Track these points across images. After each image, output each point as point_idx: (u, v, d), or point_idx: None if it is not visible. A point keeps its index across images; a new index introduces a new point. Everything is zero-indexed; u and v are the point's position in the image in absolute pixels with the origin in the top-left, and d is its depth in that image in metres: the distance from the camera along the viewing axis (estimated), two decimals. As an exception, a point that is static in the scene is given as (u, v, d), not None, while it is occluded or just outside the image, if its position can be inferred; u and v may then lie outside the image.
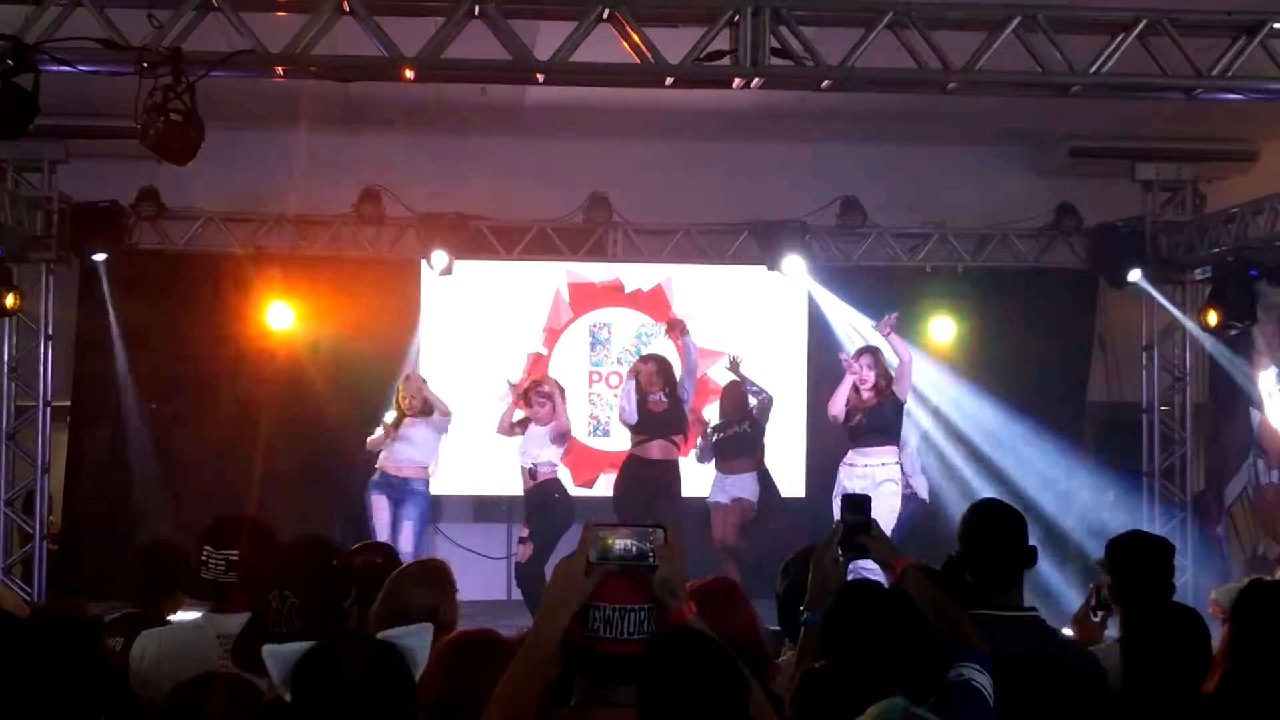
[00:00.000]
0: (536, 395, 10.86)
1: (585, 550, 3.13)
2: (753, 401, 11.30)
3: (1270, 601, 4.25)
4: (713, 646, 3.04)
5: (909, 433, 11.01)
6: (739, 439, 11.16)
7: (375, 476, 11.02)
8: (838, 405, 10.45)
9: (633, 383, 10.80)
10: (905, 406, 10.62)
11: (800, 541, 4.78)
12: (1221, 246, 11.21)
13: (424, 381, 11.16)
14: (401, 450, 10.94)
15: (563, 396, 10.90)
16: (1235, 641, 4.16)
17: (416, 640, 2.90)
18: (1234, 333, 11.52)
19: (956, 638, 3.75)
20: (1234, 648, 4.14)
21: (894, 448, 10.40)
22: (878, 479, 10.12)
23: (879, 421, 10.37)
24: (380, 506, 10.92)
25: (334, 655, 2.84)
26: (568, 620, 3.09)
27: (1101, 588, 5.14)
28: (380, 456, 10.99)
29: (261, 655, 2.86)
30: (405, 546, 10.30)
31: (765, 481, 11.29)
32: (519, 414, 11.04)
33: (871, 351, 10.48)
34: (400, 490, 10.94)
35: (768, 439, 11.60)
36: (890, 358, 10.47)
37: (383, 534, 10.57)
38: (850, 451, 10.46)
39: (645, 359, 11.08)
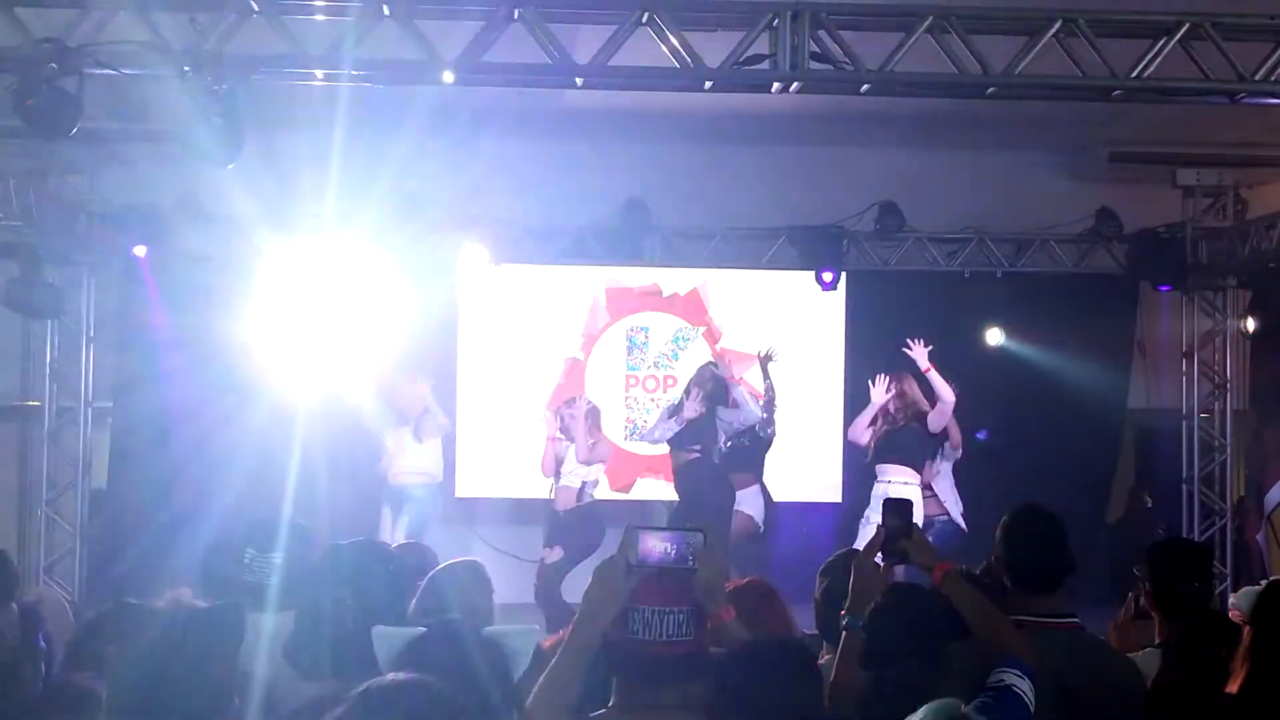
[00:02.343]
0: (567, 409, 10.79)
1: (626, 553, 3.14)
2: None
3: None
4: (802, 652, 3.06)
5: (942, 462, 10.84)
6: (738, 452, 10.74)
7: (390, 484, 11.32)
8: (858, 430, 10.65)
9: (679, 421, 10.50)
10: (937, 438, 10.61)
11: (836, 546, 4.78)
12: (1263, 252, 11.14)
13: (427, 388, 11.23)
14: (398, 460, 11.18)
15: (589, 421, 10.63)
16: (1256, 642, 4.13)
17: (521, 642, 2.93)
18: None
19: (999, 643, 3.74)
20: (1255, 648, 4.11)
21: (913, 470, 10.36)
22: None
23: (895, 442, 10.44)
24: (384, 518, 11.16)
25: (440, 645, 2.87)
26: (608, 622, 3.10)
27: (1140, 595, 5.11)
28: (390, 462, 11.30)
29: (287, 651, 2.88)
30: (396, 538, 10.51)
31: (766, 496, 11.02)
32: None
33: (898, 379, 10.55)
34: (398, 496, 11.11)
35: (803, 444, 11.57)
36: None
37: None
38: (876, 468, 10.55)
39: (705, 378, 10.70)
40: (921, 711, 2.93)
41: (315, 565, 4.32)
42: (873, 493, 10.48)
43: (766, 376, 11.06)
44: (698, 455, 10.43)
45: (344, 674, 3.41)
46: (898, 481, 10.27)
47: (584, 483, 10.64)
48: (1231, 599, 5.63)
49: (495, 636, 2.93)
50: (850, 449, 11.93)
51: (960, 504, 10.79)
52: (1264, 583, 4.75)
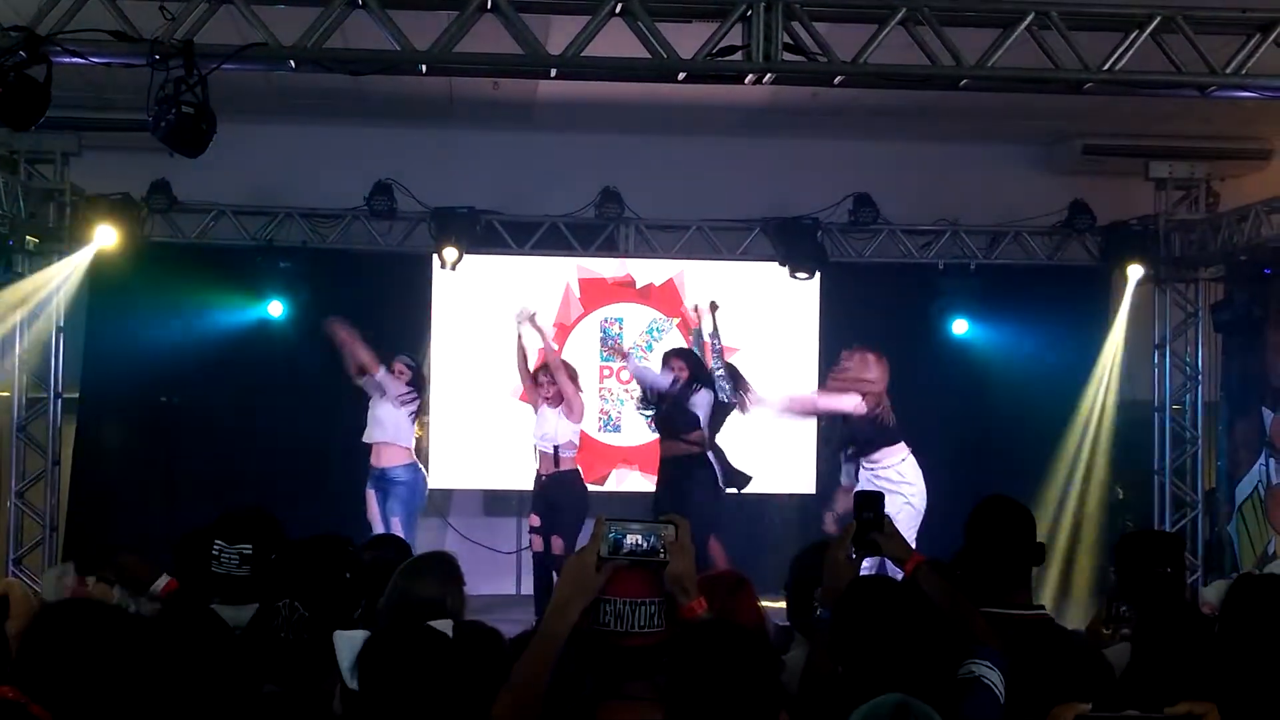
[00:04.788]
0: (544, 374, 10.95)
1: (597, 545, 3.14)
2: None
3: (1258, 594, 4.25)
4: (748, 639, 3.06)
5: None
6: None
7: (371, 470, 11.27)
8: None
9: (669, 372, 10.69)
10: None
11: (809, 537, 4.79)
12: (1235, 245, 11.19)
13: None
14: (375, 434, 11.19)
15: (569, 375, 10.97)
16: (1225, 635, 4.15)
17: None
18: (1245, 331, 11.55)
19: (969, 635, 3.74)
20: (1224, 641, 4.13)
21: (900, 445, 10.18)
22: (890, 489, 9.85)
23: (871, 431, 10.24)
24: (371, 500, 11.15)
25: (395, 644, 2.86)
26: (579, 614, 3.10)
27: (1114, 601, 5.12)
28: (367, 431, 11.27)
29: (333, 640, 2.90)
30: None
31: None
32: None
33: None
34: (383, 482, 11.12)
35: (776, 435, 11.63)
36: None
37: (377, 529, 10.72)
38: (861, 461, 10.36)
39: (679, 354, 10.93)
40: (864, 707, 2.94)
41: (271, 565, 4.29)
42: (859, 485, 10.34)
43: (714, 327, 11.13)
44: (696, 448, 10.53)
45: (295, 677, 3.40)
46: (894, 463, 10.09)
47: (556, 446, 10.73)
48: (1202, 591, 5.65)
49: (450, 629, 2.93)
50: (823, 439, 11.95)
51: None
52: (1235, 575, 4.78)
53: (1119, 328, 12.30)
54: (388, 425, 11.16)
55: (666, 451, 10.75)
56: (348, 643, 2.93)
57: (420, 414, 11.53)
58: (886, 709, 2.92)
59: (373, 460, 11.22)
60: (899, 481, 9.95)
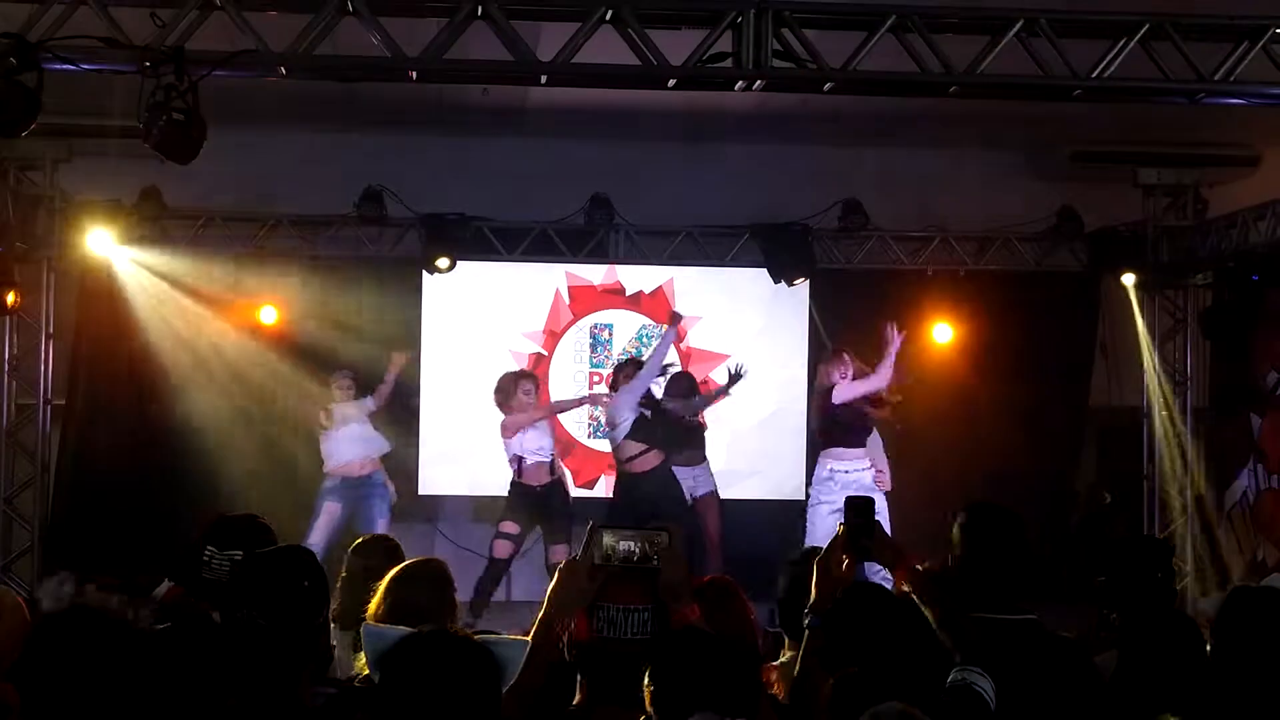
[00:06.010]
0: (521, 391, 10.96)
1: (590, 552, 3.15)
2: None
3: (1253, 607, 4.26)
4: (724, 645, 3.07)
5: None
6: (690, 431, 11.20)
7: (327, 483, 11.27)
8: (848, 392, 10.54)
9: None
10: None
11: (800, 543, 4.80)
12: (1223, 251, 11.22)
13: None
14: (347, 453, 11.28)
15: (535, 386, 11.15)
16: (1219, 647, 4.16)
17: (512, 651, 2.89)
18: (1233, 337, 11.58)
19: (960, 642, 3.75)
20: (1218, 653, 4.14)
21: (863, 450, 10.56)
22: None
23: (845, 425, 10.54)
24: (331, 513, 11.13)
25: (427, 648, 2.84)
26: (572, 619, 3.11)
27: (1106, 612, 5.13)
28: (327, 460, 11.29)
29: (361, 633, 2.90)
30: None
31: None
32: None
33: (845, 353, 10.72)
34: (363, 487, 11.19)
35: (766, 441, 11.64)
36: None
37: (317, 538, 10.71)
38: (822, 456, 10.64)
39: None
40: (866, 715, 2.95)
41: (232, 578, 4.28)
42: (817, 474, 10.69)
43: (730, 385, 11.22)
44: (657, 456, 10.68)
45: (256, 688, 3.40)
46: (855, 470, 10.44)
47: (553, 456, 10.93)
48: (1200, 603, 5.67)
49: (489, 644, 2.90)
50: (813, 444, 11.96)
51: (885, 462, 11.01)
52: (1229, 589, 4.80)
53: (1143, 334, 12.37)
54: (361, 442, 11.28)
55: (641, 465, 10.76)
56: (375, 638, 2.91)
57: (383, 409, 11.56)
58: (890, 714, 2.93)
59: (343, 472, 11.24)
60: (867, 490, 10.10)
